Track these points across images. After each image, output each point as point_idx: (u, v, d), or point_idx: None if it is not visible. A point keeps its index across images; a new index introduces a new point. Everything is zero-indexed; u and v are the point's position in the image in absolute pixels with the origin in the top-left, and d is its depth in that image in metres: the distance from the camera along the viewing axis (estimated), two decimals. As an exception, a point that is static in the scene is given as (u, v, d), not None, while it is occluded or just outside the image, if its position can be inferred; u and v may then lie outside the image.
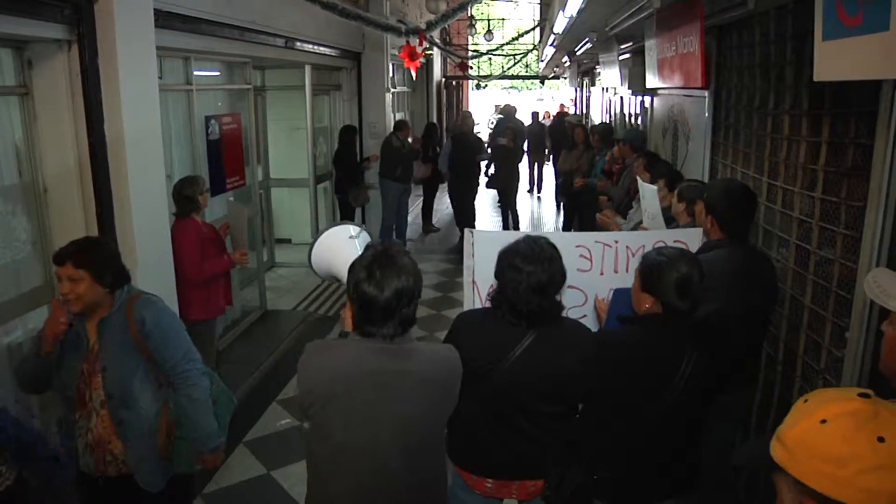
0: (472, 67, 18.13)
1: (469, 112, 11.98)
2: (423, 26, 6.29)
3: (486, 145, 10.64)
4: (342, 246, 2.45)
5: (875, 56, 1.62)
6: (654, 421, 2.23)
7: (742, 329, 2.64)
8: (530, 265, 2.20)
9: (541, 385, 2.27)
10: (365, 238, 2.54)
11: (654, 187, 3.55)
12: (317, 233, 2.59)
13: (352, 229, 2.55)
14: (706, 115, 4.50)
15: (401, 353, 1.96)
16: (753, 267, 2.78)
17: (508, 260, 2.26)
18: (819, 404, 1.09)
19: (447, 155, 9.53)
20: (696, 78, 3.65)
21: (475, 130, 12.57)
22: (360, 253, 2.39)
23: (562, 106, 19.55)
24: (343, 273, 2.39)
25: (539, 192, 14.23)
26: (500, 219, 10.54)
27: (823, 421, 1.04)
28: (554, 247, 2.29)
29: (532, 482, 2.41)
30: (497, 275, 2.30)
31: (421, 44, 6.22)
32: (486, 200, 12.26)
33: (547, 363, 2.25)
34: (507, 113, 13.87)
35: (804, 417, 1.08)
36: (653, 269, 2.24)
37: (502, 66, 21.82)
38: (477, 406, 2.30)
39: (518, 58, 19.42)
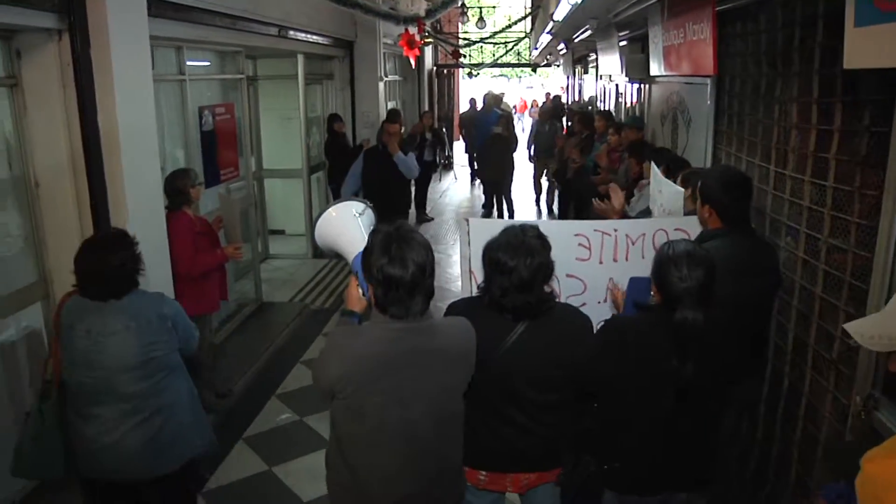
0: (464, 56, 17.97)
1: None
2: (422, 14, 6.19)
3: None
4: (346, 222, 2.52)
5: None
6: (664, 410, 2.18)
7: (747, 318, 2.60)
8: (513, 260, 2.17)
9: (531, 374, 2.25)
10: (370, 217, 2.57)
11: (681, 189, 3.35)
12: (322, 209, 2.63)
13: (358, 206, 2.59)
14: (708, 102, 4.44)
15: (428, 331, 2.03)
16: (754, 255, 2.76)
17: (490, 254, 2.24)
18: None
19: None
20: (708, 66, 3.57)
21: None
22: (362, 230, 2.44)
23: (547, 95, 19.33)
24: (344, 248, 2.47)
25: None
26: (486, 211, 10.45)
27: None
28: (541, 237, 2.25)
29: (525, 475, 2.39)
30: (483, 267, 2.29)
31: (420, 31, 6.12)
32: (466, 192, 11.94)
33: (538, 354, 2.23)
34: (492, 101, 13.16)
35: (893, 454, 0.99)
36: (659, 262, 2.21)
37: (493, 54, 21.66)
38: (469, 397, 2.25)
39: (510, 46, 19.27)
